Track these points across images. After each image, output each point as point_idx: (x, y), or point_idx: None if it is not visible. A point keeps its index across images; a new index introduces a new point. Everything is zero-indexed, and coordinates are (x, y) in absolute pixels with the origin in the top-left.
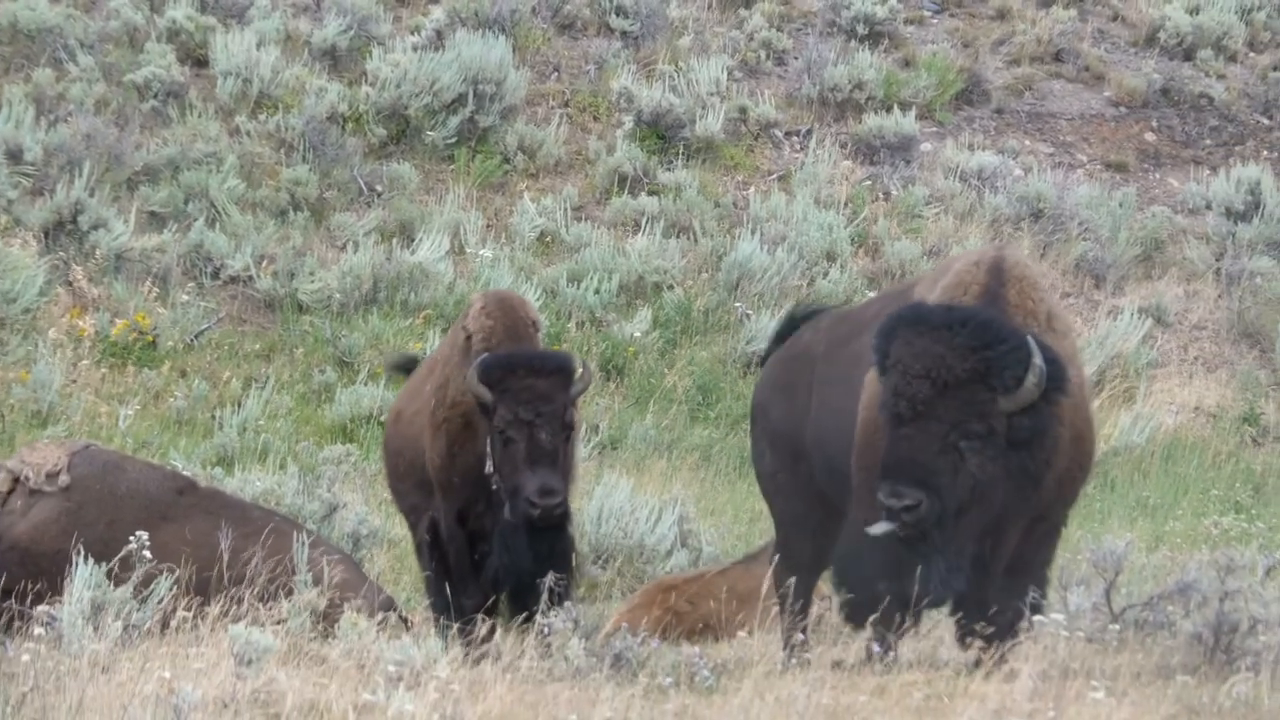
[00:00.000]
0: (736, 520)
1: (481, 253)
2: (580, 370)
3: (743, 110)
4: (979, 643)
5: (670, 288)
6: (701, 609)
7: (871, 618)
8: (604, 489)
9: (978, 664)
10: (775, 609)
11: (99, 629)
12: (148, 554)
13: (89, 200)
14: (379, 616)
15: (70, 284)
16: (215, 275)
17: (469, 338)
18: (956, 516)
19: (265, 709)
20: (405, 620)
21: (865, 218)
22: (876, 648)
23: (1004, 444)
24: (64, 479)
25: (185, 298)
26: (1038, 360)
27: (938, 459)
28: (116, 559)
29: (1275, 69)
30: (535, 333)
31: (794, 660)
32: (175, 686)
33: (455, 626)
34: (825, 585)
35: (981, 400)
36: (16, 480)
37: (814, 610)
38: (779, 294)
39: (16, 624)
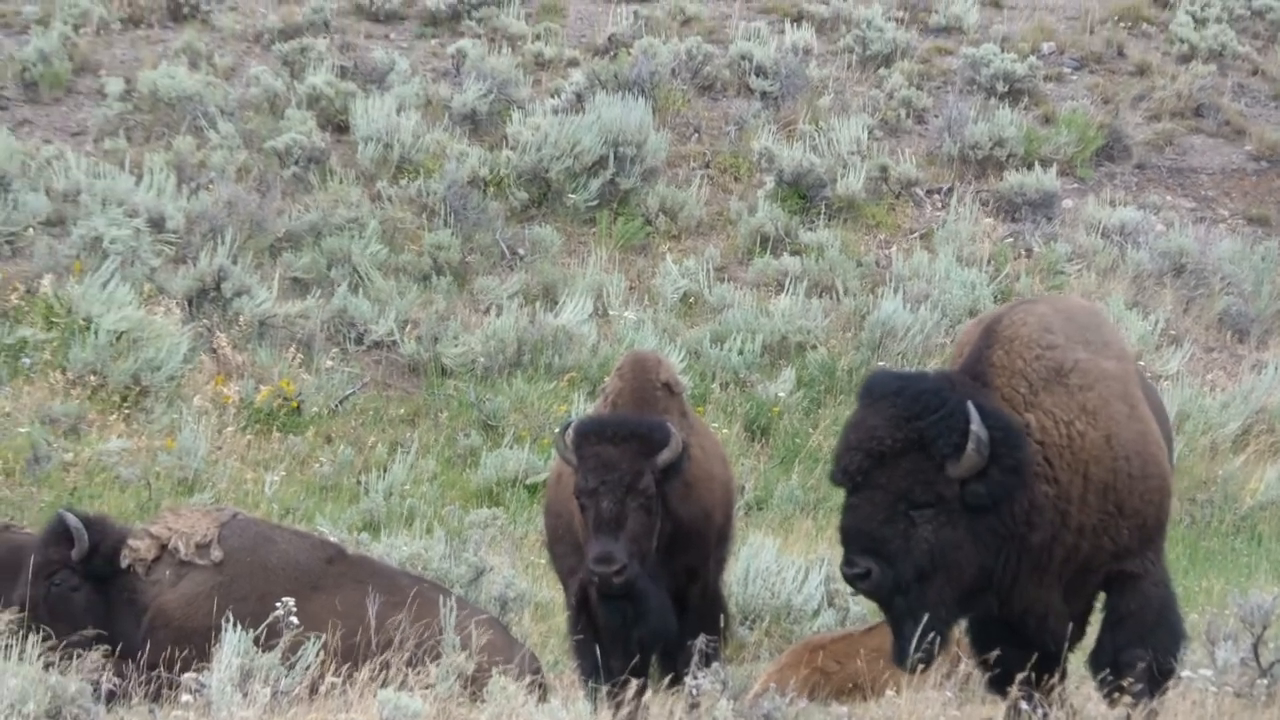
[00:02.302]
0: None
1: (625, 315)
2: (670, 439)
3: (883, 169)
4: (1127, 699)
5: (814, 347)
6: (849, 668)
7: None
8: (750, 549)
9: None
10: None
11: (248, 695)
12: (295, 620)
13: (232, 267)
14: (527, 680)
15: (214, 351)
16: (359, 340)
17: (603, 398)
18: (920, 582)
19: None
20: (543, 686)
21: (1008, 275)
22: (1025, 705)
23: (960, 509)
24: (216, 553)
25: (329, 363)
26: (975, 428)
27: (884, 528)
28: (264, 625)
29: None
30: (667, 395)
31: None
32: None
33: (604, 689)
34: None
35: (923, 469)
36: (163, 548)
37: (961, 668)
38: (922, 352)
39: (165, 692)
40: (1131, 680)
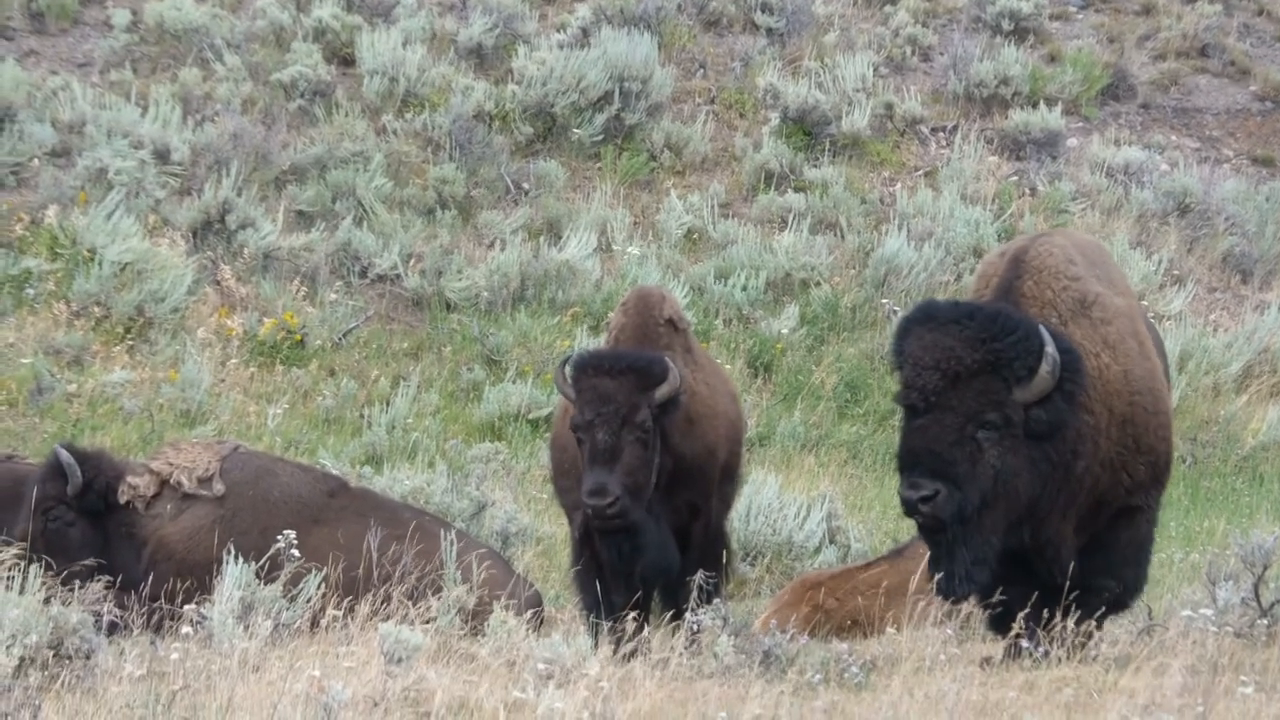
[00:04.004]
0: (884, 516)
1: (629, 250)
2: (668, 373)
3: (889, 106)
4: (1127, 637)
5: (817, 284)
6: (849, 605)
7: (1020, 613)
8: (752, 486)
9: (1085, 641)
10: (923, 604)
11: (249, 628)
12: (296, 553)
13: (236, 200)
14: (528, 614)
15: (218, 283)
16: (363, 274)
17: (608, 333)
18: (979, 509)
19: (415, 707)
20: (545, 621)
21: (1011, 213)
22: (1025, 644)
23: (1022, 435)
24: (218, 486)
25: (333, 296)
26: (1050, 349)
27: (954, 449)
28: (265, 558)
29: None
30: (670, 331)
31: None
32: (325, 685)
33: (605, 624)
34: None
35: (996, 391)
36: (164, 483)
37: (964, 608)
38: (926, 290)
39: (166, 623)
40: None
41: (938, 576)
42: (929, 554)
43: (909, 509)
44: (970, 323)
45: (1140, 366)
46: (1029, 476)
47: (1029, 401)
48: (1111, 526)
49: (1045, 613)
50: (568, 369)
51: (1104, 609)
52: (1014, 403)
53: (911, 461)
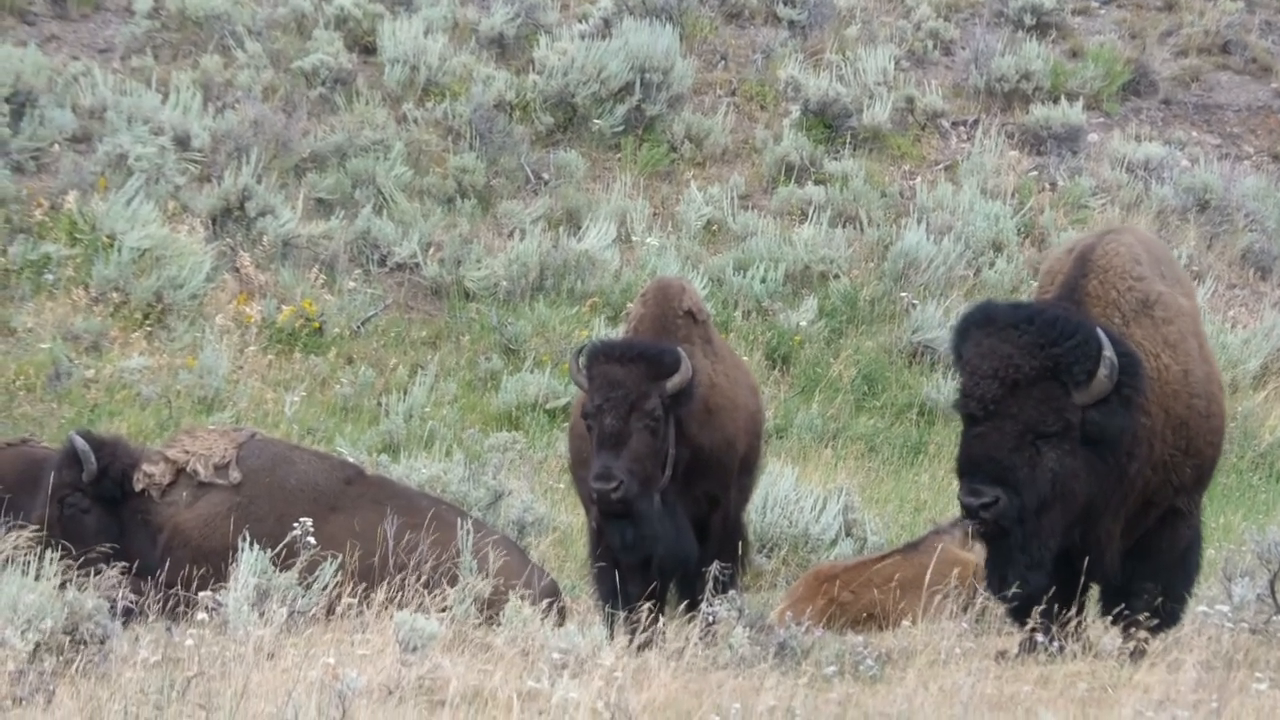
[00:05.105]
0: (901, 510)
1: (648, 241)
2: (680, 364)
3: (909, 100)
4: (1142, 633)
5: (836, 277)
6: (864, 599)
7: (1037, 609)
8: (769, 478)
9: (1140, 654)
10: (939, 598)
11: (264, 615)
12: (312, 540)
13: (256, 187)
14: (544, 603)
15: (237, 270)
16: (382, 262)
17: (627, 323)
18: (1039, 512)
19: (429, 696)
20: (562, 610)
21: (1031, 208)
22: (1040, 638)
23: (1081, 438)
24: (234, 474)
25: (352, 284)
26: (1108, 353)
27: (1013, 456)
28: (282, 545)
29: None
30: (689, 322)
31: None
32: (340, 673)
33: (621, 614)
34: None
35: (1055, 396)
36: (180, 471)
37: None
38: (945, 284)
39: (182, 610)
40: (1147, 615)
41: (993, 577)
42: (985, 555)
43: (970, 514)
44: (1029, 328)
45: (1200, 368)
46: (1086, 478)
47: (1086, 404)
48: (1156, 530)
49: (1063, 609)
50: (581, 358)
51: (1157, 621)
52: (1073, 406)
53: (971, 468)
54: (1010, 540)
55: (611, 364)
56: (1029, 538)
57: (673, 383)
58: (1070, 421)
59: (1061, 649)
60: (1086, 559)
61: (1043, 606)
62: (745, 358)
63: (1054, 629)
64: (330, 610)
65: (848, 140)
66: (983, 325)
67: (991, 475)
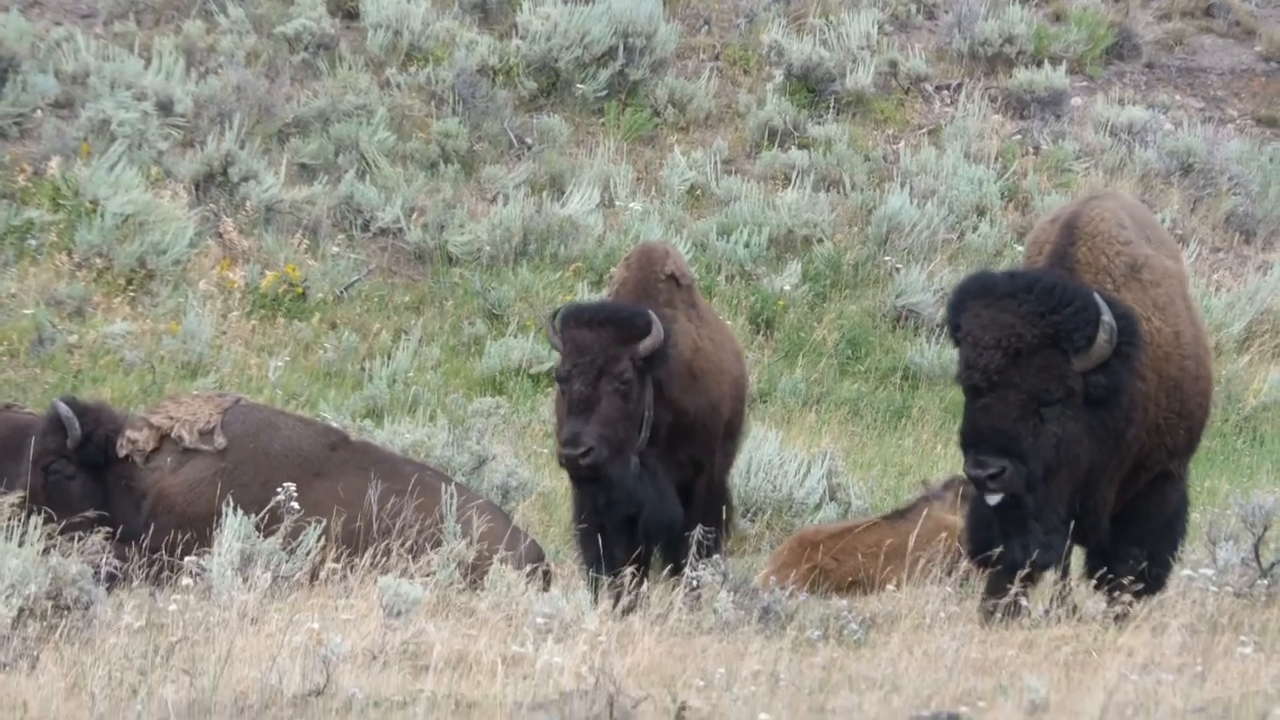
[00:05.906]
0: (885, 474)
1: (631, 206)
2: (651, 327)
3: (893, 64)
4: (1126, 597)
5: (820, 241)
6: (848, 565)
7: (1020, 575)
8: (753, 442)
9: (1124, 618)
10: (922, 563)
11: (248, 580)
12: (296, 506)
13: (239, 152)
14: (528, 568)
15: (220, 236)
16: (365, 227)
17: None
18: (1046, 479)
19: (414, 660)
20: (547, 574)
21: (1015, 172)
22: (1024, 602)
23: (1082, 403)
24: (219, 439)
25: (335, 250)
26: (1107, 317)
27: (1017, 425)
28: (266, 511)
29: None
30: (672, 287)
31: None
32: (324, 638)
33: (605, 579)
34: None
35: (1056, 363)
36: (164, 437)
37: (963, 566)
38: (928, 248)
39: (166, 574)
40: (1132, 579)
41: (1011, 548)
42: (998, 528)
43: (978, 486)
44: (1028, 296)
45: (1189, 330)
46: (1089, 443)
47: (1087, 369)
48: (1144, 494)
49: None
50: (555, 321)
51: (1142, 585)
52: (1074, 373)
53: (976, 440)
54: (1023, 510)
55: (581, 328)
56: (1040, 505)
57: (644, 345)
58: (1072, 388)
59: (1046, 613)
60: (1073, 524)
61: (1025, 570)
62: (729, 322)
63: (1032, 593)
64: (314, 575)
65: (831, 105)
66: (980, 296)
67: (997, 446)
